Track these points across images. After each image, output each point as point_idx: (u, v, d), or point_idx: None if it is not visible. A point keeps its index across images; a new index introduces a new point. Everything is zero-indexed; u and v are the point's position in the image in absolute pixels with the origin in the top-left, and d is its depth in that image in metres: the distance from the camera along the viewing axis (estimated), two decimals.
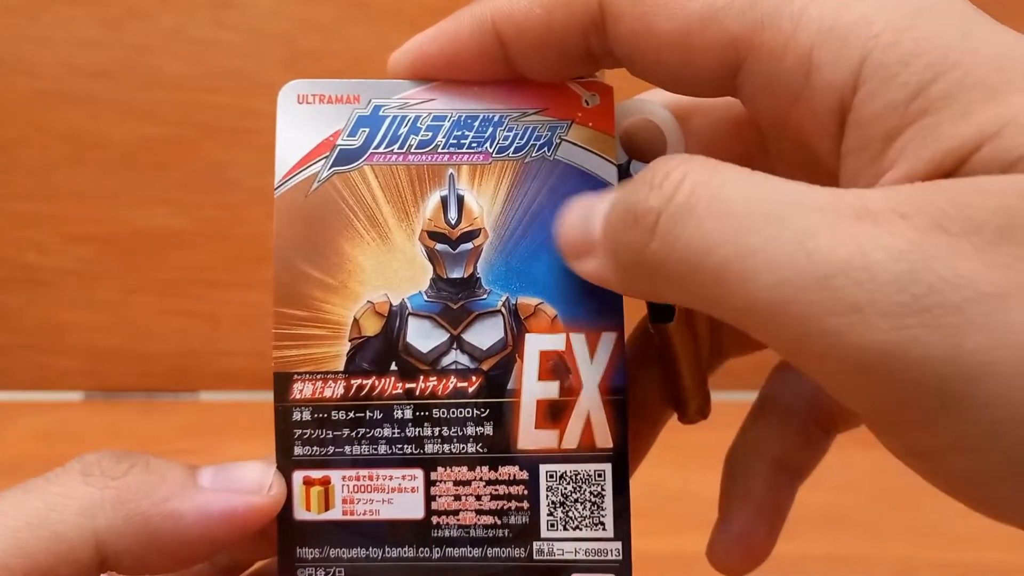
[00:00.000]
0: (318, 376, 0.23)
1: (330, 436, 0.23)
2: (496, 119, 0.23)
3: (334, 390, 0.23)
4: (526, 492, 0.23)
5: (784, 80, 0.20)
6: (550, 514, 0.23)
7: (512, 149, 0.23)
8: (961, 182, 0.17)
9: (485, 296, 0.23)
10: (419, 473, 0.23)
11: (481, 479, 0.23)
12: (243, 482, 0.22)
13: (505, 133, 0.23)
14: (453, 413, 0.23)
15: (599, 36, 0.22)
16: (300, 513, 0.23)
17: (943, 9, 0.19)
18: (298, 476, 0.23)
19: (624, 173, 0.24)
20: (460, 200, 0.23)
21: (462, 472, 0.23)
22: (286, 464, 0.23)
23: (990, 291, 0.15)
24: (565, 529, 0.23)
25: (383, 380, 0.23)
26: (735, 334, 0.26)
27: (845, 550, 0.44)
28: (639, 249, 0.18)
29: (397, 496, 0.23)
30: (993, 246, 0.16)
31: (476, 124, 0.23)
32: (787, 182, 0.18)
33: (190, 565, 0.23)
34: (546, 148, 0.23)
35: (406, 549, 0.23)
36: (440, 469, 0.23)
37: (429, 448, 0.23)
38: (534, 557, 0.23)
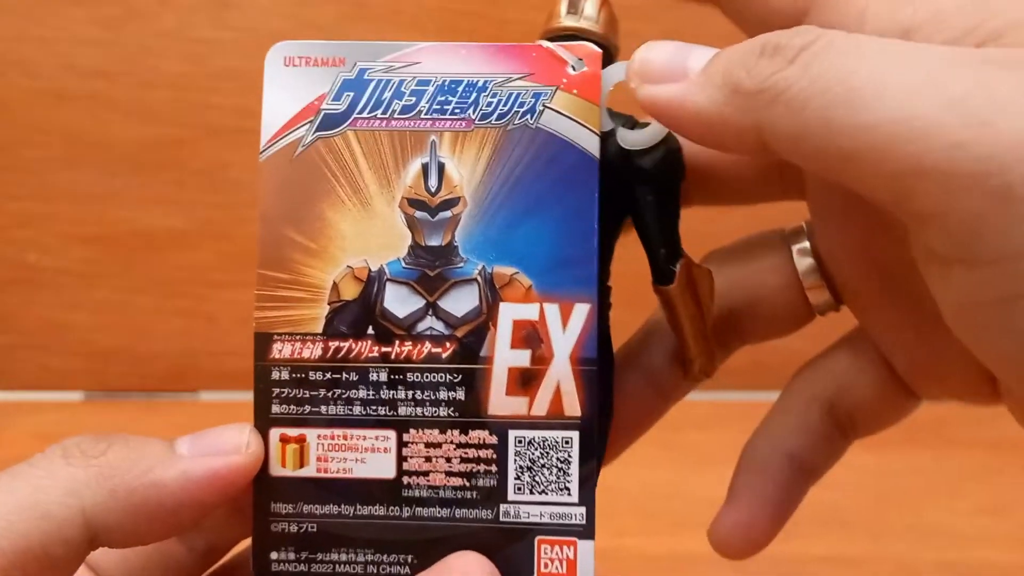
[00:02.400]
0: (297, 337, 0.23)
1: (307, 396, 0.23)
2: (480, 84, 0.23)
3: (312, 351, 0.23)
4: (495, 456, 0.23)
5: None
6: (517, 478, 0.23)
7: (495, 116, 0.23)
8: None
9: (462, 264, 0.23)
10: (392, 434, 0.23)
11: (452, 442, 0.23)
12: (221, 444, 0.22)
13: (489, 99, 0.23)
14: (427, 377, 0.23)
15: None
16: (276, 469, 0.23)
17: None
18: (275, 433, 0.23)
19: (608, 142, 0.24)
20: (441, 168, 0.23)
21: (433, 435, 0.23)
22: (263, 421, 0.23)
23: None
24: (532, 493, 0.23)
25: (360, 343, 0.23)
26: (756, 318, 0.26)
27: (845, 550, 0.44)
28: (770, 74, 0.19)
29: (370, 456, 0.23)
30: None
31: (460, 89, 0.23)
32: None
33: (180, 532, 0.23)
34: (529, 115, 0.23)
35: (377, 507, 0.23)
36: (412, 431, 0.23)
37: (402, 410, 0.23)
38: (501, 519, 0.23)
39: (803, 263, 0.26)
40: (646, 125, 0.24)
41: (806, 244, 0.26)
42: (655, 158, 0.24)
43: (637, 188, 0.24)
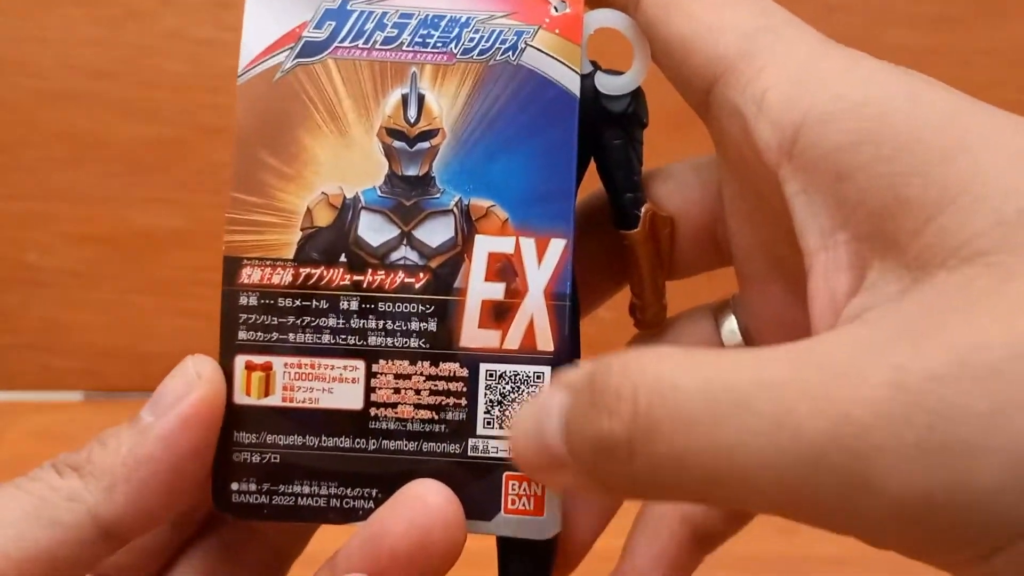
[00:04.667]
0: (267, 262, 0.23)
1: (275, 323, 0.23)
2: (463, 20, 0.23)
3: (282, 277, 0.23)
4: (465, 389, 0.23)
5: (740, 112, 0.21)
6: (487, 412, 0.23)
7: (476, 51, 0.23)
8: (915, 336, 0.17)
9: (438, 195, 0.23)
10: (360, 364, 0.23)
11: (421, 374, 0.23)
12: (176, 391, 0.22)
13: (471, 35, 0.23)
14: (398, 307, 0.23)
15: (632, 6, 0.23)
16: (240, 398, 0.23)
17: (890, 74, 0.19)
18: (240, 360, 0.23)
19: (588, 85, 0.24)
20: (421, 99, 0.23)
21: (403, 366, 0.23)
22: (229, 348, 0.23)
23: (985, 411, 0.15)
24: (501, 428, 0.23)
25: (331, 271, 0.23)
26: (690, 257, 0.26)
27: (846, 550, 0.43)
28: (624, 475, 0.18)
29: (337, 386, 0.23)
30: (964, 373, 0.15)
31: (443, 24, 0.23)
32: (740, 354, 0.17)
33: (194, 489, 0.23)
34: (510, 52, 0.23)
35: (342, 439, 0.23)
36: (382, 362, 0.23)
37: (372, 340, 0.23)
38: (468, 453, 0.23)
39: (730, 337, 0.26)
40: (619, 72, 0.24)
41: (732, 319, 0.26)
42: (625, 103, 0.24)
43: (606, 132, 0.24)
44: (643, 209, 0.24)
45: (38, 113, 0.55)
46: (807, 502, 0.16)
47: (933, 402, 0.15)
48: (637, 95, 0.24)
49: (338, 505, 0.23)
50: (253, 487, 0.23)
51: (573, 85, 0.23)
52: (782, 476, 0.16)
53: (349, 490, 0.23)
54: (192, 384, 0.22)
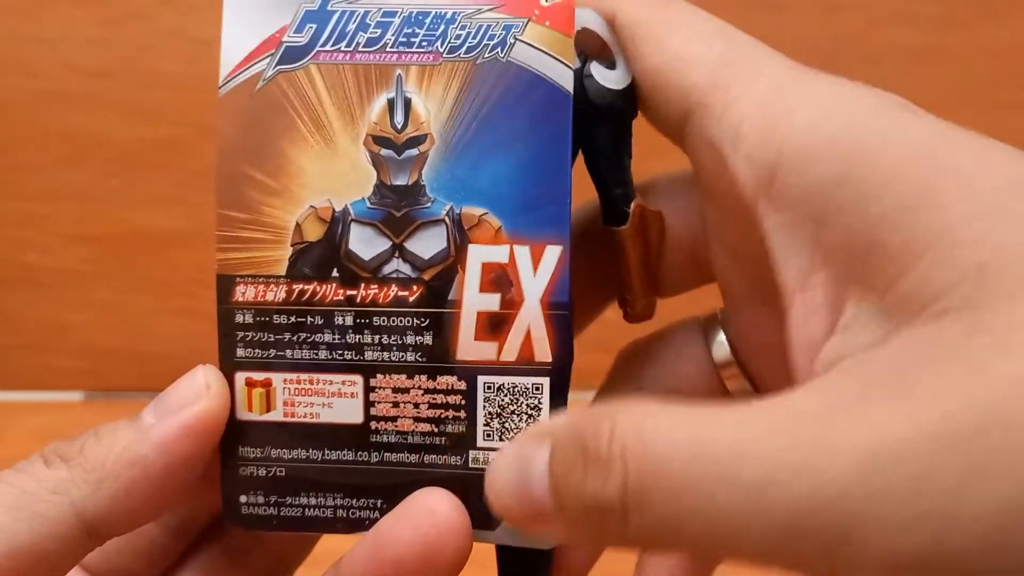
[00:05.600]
0: (260, 280, 0.23)
1: (272, 339, 0.23)
2: (449, 16, 0.23)
3: (276, 294, 0.23)
4: (464, 402, 0.23)
5: (715, 143, 0.20)
6: (487, 424, 0.23)
7: (464, 49, 0.22)
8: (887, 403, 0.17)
9: (429, 204, 0.23)
10: (358, 379, 0.23)
11: (419, 387, 0.23)
12: (182, 397, 0.22)
13: (457, 31, 0.22)
14: (393, 321, 0.23)
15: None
16: (242, 414, 0.23)
17: (863, 101, 0.19)
18: (240, 377, 0.23)
19: (579, 79, 0.23)
20: (407, 103, 0.23)
21: (401, 380, 0.23)
22: (228, 365, 0.23)
23: (955, 484, 0.15)
24: (501, 439, 0.23)
25: (324, 286, 0.23)
26: (675, 275, 0.26)
27: None
28: (617, 534, 0.18)
29: (337, 400, 0.23)
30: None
31: (428, 21, 0.23)
32: (722, 415, 0.17)
33: (184, 493, 0.23)
34: (499, 48, 0.22)
35: (345, 452, 0.23)
36: (379, 376, 0.23)
37: (369, 355, 0.23)
38: (470, 465, 0.23)
39: (719, 352, 0.25)
40: (612, 64, 0.23)
41: (721, 334, 0.25)
42: (615, 95, 0.23)
43: (596, 125, 0.23)
44: (632, 205, 0.24)
45: (38, 113, 0.55)
46: (793, 561, 0.16)
47: (906, 470, 0.15)
48: (628, 85, 0.23)
49: (345, 515, 0.23)
50: (261, 499, 0.23)
51: (566, 81, 0.22)
52: (768, 538, 0.16)
53: (355, 501, 0.23)
54: (200, 394, 0.22)
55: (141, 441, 0.21)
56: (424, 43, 0.23)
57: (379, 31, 0.23)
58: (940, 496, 0.15)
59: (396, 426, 0.23)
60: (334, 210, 0.23)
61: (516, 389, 0.23)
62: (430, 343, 0.23)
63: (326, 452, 0.23)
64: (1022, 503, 0.15)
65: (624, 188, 0.24)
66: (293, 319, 0.23)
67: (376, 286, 0.23)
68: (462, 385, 0.23)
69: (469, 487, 0.23)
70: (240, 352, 0.23)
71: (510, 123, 0.22)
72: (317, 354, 0.23)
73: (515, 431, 0.23)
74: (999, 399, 0.15)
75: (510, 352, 0.22)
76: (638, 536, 0.17)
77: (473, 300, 0.22)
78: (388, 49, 0.23)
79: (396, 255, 0.23)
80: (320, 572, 0.23)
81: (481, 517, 0.22)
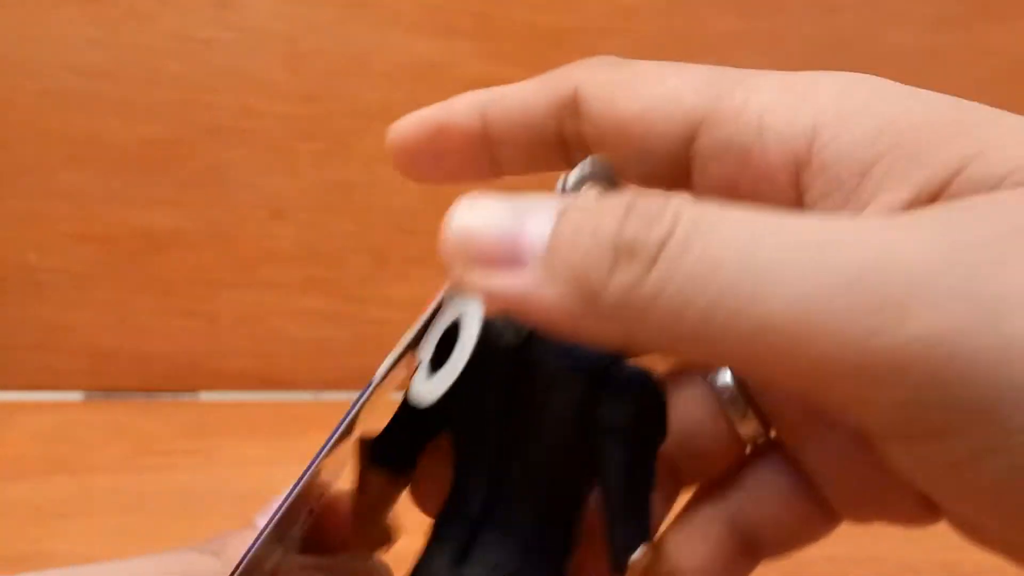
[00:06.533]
0: None
1: None
2: None
3: None
4: None
5: (736, 142, 0.20)
6: None
7: None
8: (963, 202, 0.17)
9: None
10: None
11: None
12: None
13: None
14: None
15: (572, 117, 0.22)
16: None
17: (879, 85, 0.20)
18: None
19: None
20: None
21: None
22: None
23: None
24: None
25: None
26: (687, 456, 0.24)
27: (846, 550, 0.44)
28: (631, 286, 0.16)
29: None
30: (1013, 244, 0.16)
31: None
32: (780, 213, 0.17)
33: None
34: None
35: None
36: None
37: None
38: None
39: (726, 393, 0.24)
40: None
41: (727, 373, 0.24)
42: (623, 411, 0.20)
43: (605, 443, 0.20)
44: (635, 556, 0.20)
45: (38, 113, 0.55)
46: (832, 325, 0.15)
47: (975, 256, 0.15)
48: (644, 400, 0.20)
49: None
50: None
51: None
52: (815, 293, 0.15)
53: None
54: None
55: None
56: None
57: None
58: (1006, 282, 0.15)
59: None
60: None
61: None
62: None
63: None
64: None
65: (633, 525, 0.20)
66: None
67: None
68: None
69: None
70: None
71: None
72: None
73: None
74: None
75: None
76: (654, 288, 0.16)
77: None
78: None
79: None
80: None
81: None
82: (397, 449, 0.23)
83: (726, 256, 0.16)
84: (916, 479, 0.18)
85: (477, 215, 0.17)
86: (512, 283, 0.17)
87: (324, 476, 0.22)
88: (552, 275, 0.17)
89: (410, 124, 0.23)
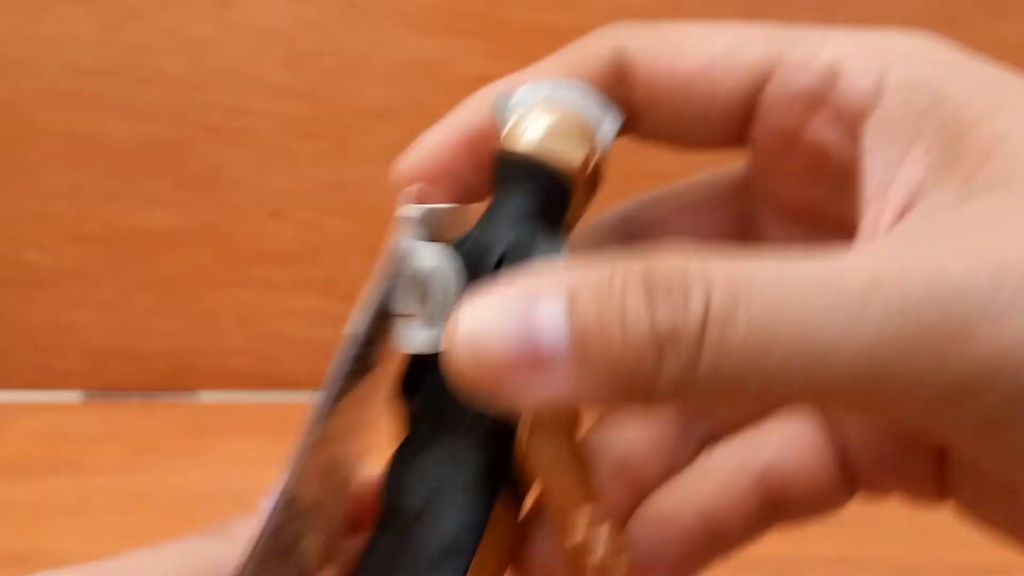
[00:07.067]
0: None
1: None
2: None
3: None
4: None
5: (807, 88, 0.21)
6: None
7: None
8: (994, 196, 0.17)
9: None
10: None
11: None
12: None
13: None
14: None
15: (616, 85, 0.22)
16: None
17: (940, 57, 0.21)
18: None
19: None
20: None
21: None
22: None
23: None
24: None
25: None
26: None
27: (845, 550, 0.43)
28: (684, 370, 0.16)
29: None
30: None
31: None
32: (803, 259, 0.17)
33: None
34: None
35: None
36: None
37: None
38: None
39: None
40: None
41: None
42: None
43: None
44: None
45: (38, 113, 0.55)
46: (903, 366, 0.15)
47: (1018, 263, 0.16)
48: None
49: None
50: None
51: None
52: (878, 338, 0.15)
53: None
54: None
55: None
56: None
57: None
58: None
59: None
60: None
61: None
62: None
63: None
64: None
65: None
66: None
67: None
68: None
69: None
70: None
71: None
72: None
73: None
74: None
75: None
76: (711, 365, 0.15)
77: None
78: None
79: None
80: None
81: None
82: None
83: (778, 322, 0.15)
84: (996, 468, 0.18)
85: (481, 319, 0.16)
86: (545, 386, 0.16)
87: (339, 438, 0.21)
88: (589, 372, 0.16)
89: (429, 147, 0.22)
